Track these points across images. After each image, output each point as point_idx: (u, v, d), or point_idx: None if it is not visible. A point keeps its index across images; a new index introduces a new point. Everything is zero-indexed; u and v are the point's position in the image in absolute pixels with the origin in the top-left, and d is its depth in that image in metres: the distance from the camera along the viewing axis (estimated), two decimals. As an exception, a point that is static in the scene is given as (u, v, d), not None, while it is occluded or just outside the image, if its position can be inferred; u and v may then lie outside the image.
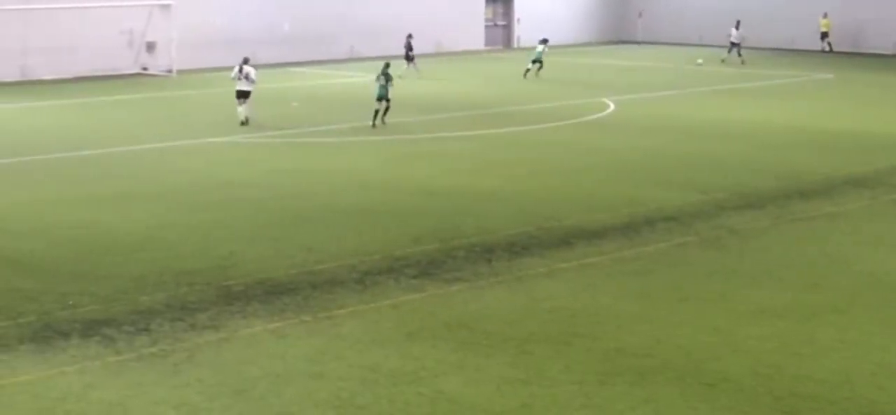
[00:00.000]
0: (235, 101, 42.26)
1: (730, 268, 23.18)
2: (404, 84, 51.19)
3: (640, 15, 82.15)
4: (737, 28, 66.72)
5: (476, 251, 24.20)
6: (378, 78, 42.49)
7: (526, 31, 78.00)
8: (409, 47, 59.78)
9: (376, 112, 41.88)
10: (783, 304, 20.61)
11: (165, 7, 61.69)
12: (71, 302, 20.34)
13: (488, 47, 76.78)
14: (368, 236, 25.33)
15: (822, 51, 73.06)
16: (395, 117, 42.38)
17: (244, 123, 41.57)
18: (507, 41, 78.85)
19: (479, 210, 28.07)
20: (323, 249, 24.21)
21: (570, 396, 16.23)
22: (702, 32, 76.41)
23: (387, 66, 43.45)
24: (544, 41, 60.83)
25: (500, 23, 79.16)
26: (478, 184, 31.25)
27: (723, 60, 65.25)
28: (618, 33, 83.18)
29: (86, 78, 57.79)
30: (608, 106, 47.86)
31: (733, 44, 66.44)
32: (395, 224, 26.53)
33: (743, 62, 64.65)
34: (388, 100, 41.83)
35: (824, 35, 73.44)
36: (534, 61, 59.02)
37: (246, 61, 42.53)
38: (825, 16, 73.48)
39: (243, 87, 42.04)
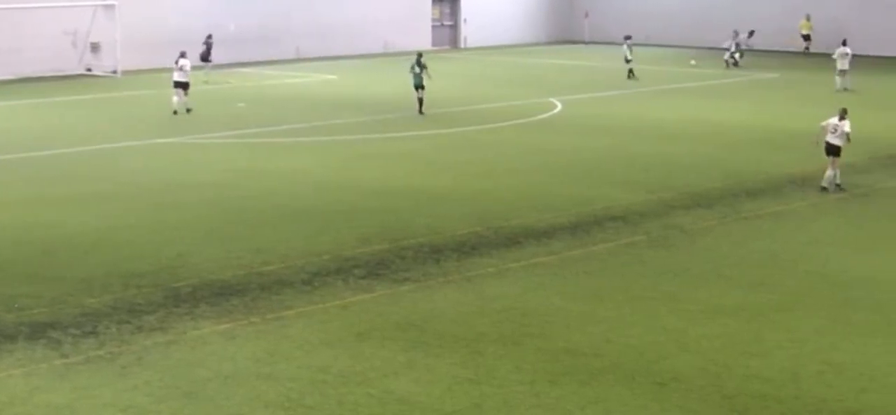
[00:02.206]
0: (173, 91, 45.28)
1: (679, 267, 23.26)
2: (344, 83, 51.04)
3: (587, 15, 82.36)
4: (735, 36, 66.25)
5: (425, 251, 24.19)
6: (412, 68, 45.54)
7: (472, 31, 78.10)
8: (208, 48, 58.90)
9: (420, 100, 45.16)
10: (732, 303, 20.71)
11: (109, 7, 61.31)
12: (17, 305, 20.18)
13: (436, 47, 76.74)
14: (317, 237, 25.27)
15: (804, 51, 72.92)
16: (339, 118, 42.28)
17: (175, 112, 44.49)
18: (455, 41, 78.88)
19: (428, 210, 28.04)
20: (271, 250, 24.13)
21: (521, 395, 16.24)
22: (648, 32, 76.64)
23: (420, 55, 46.49)
24: (628, 38, 60.36)
25: (447, 23, 79.18)
26: (427, 184, 31.23)
27: (736, 63, 64.71)
28: (564, 33, 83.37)
29: (30, 79, 57.37)
30: (556, 106, 47.96)
31: (730, 49, 65.72)
32: (345, 225, 26.47)
33: (735, 64, 64.43)
34: (423, 88, 45.34)
35: (806, 36, 73.36)
36: (627, 60, 58.71)
37: (183, 55, 45.87)
38: (808, 18, 73.40)
39: (179, 77, 45.10)
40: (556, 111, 46.74)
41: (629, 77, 58.28)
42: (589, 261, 23.66)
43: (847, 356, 18.01)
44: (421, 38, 75.99)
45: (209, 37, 58.79)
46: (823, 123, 31.08)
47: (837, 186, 30.66)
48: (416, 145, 38.11)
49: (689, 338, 18.77)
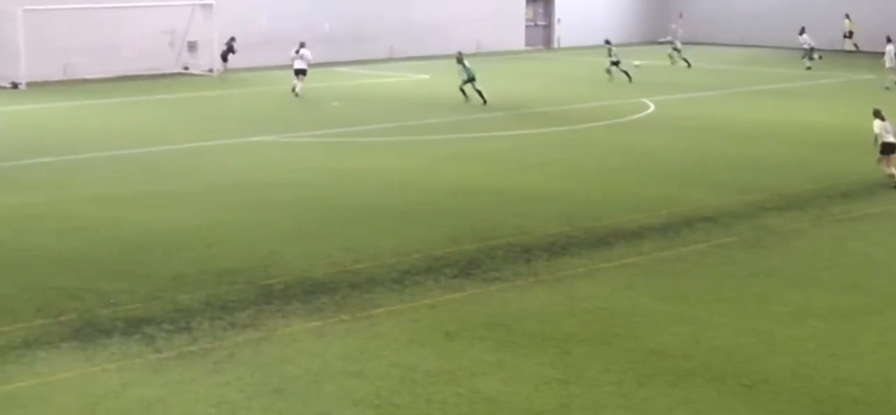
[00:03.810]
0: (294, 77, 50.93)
1: (770, 269, 23.09)
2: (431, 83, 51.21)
3: (680, 15, 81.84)
4: (802, 34, 65.60)
5: (515, 251, 24.21)
6: (460, 60, 48.63)
7: (566, 31, 77.96)
8: (228, 49, 59.34)
9: (480, 92, 47.73)
10: (823, 305, 20.52)
11: (207, 6, 61.99)
12: (112, 300, 20.47)
13: (529, 47, 76.76)
14: (408, 236, 25.38)
15: (850, 50, 72.42)
16: (431, 117, 42.43)
17: (295, 94, 50.29)
18: (548, 41, 78.79)
19: (518, 210, 28.06)
20: (362, 248, 24.27)
21: (609, 396, 16.22)
22: (743, 33, 76.12)
23: (460, 54, 49.46)
24: (608, 42, 60.19)
25: (541, 23, 79.10)
26: (518, 184, 31.25)
27: (808, 68, 63.48)
28: (658, 33, 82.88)
29: (128, 77, 58.12)
30: (648, 106, 47.77)
31: (806, 49, 65.08)
32: (435, 224, 26.56)
33: (808, 68, 63.60)
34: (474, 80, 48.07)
35: (849, 35, 72.97)
36: (613, 63, 58.28)
37: (303, 45, 51.54)
38: (847, 16, 73.08)
39: (299, 65, 50.83)
40: (648, 112, 46.55)
41: (608, 76, 57.39)
42: (679, 262, 23.56)
43: (940, 361, 17.82)
44: (514, 37, 76.11)
45: (232, 39, 59.18)
46: (877, 131, 31.30)
47: None
48: (507, 145, 38.14)
49: (778, 340, 18.64)
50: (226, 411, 15.66)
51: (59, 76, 56.92)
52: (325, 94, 51.78)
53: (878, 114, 31.49)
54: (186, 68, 61.65)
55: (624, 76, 57.18)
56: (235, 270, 22.49)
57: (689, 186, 31.15)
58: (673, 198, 29.48)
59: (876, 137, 31.26)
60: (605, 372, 17.12)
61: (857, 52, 72.48)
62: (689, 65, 64.22)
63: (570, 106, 48.04)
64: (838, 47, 72.62)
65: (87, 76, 57.40)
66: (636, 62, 58.84)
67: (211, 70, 59.95)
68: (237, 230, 26.05)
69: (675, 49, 65.84)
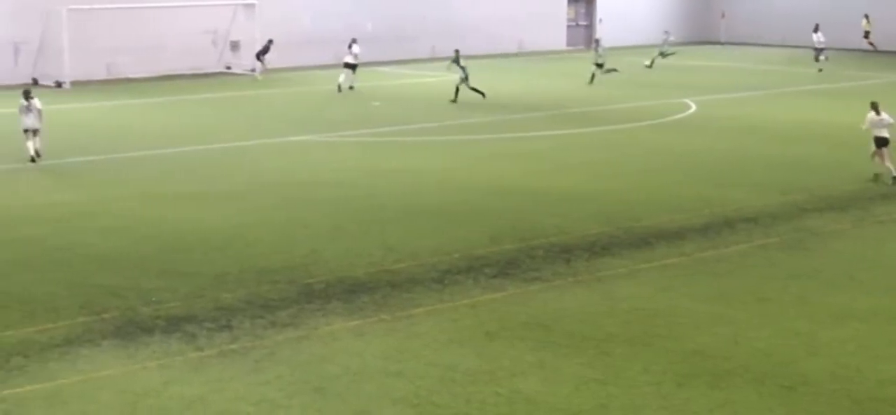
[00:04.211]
0: (343, 70, 52.82)
1: (810, 270, 23.03)
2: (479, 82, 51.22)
3: (723, 15, 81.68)
4: (816, 32, 65.40)
5: (555, 251, 24.22)
6: (456, 60, 49.49)
7: (608, 31, 77.82)
8: (264, 49, 59.31)
9: (475, 89, 48.60)
10: (864, 307, 20.44)
11: (249, 6, 62.20)
12: (154, 298, 20.60)
13: (570, 47, 76.67)
14: (447, 236, 25.42)
15: (867, 49, 72.30)
16: (472, 117, 42.46)
17: (340, 89, 52.01)
18: (589, 41, 78.64)
19: (558, 210, 28.07)
20: (402, 248, 24.34)
21: (648, 397, 16.21)
22: (784, 34, 75.87)
23: (457, 53, 50.18)
24: (597, 42, 60.01)
25: (582, 23, 79.00)
26: (558, 184, 31.25)
27: (820, 70, 62.86)
28: (700, 33, 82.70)
29: (171, 76, 58.41)
30: (690, 106, 47.66)
31: (817, 48, 64.98)
32: (475, 223, 26.60)
33: (820, 70, 63.15)
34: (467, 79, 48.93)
35: (866, 34, 72.91)
36: (598, 65, 57.95)
37: (354, 41, 54.41)
38: (866, 17, 72.96)
39: (350, 59, 52.99)
40: (690, 112, 46.44)
41: (593, 76, 56.78)
42: (719, 262, 23.51)
43: (982, 363, 17.74)
44: (556, 37, 76.01)
45: (270, 41, 59.34)
46: (867, 125, 32.02)
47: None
48: (547, 145, 38.13)
49: (819, 342, 18.58)
50: (266, 410, 15.74)
51: (102, 75, 57.28)
52: (366, 93, 51.90)
53: (874, 106, 31.81)
54: (229, 68, 61.89)
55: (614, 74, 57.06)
56: (276, 269, 22.59)
57: (729, 186, 31.07)
58: (714, 198, 29.42)
59: (868, 130, 31.89)
60: (645, 373, 17.12)
61: (874, 51, 72.16)
62: (649, 66, 63.45)
63: (611, 106, 47.98)
64: (886, 48, 72.30)
65: (131, 75, 57.74)
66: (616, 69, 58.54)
67: (253, 70, 60.14)
68: (278, 229, 26.16)
69: (662, 53, 65.05)
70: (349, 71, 53.04)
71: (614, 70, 56.97)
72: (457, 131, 40.77)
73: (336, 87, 52.31)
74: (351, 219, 27.13)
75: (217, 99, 50.98)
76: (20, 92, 35.81)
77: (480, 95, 48.70)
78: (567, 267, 23.05)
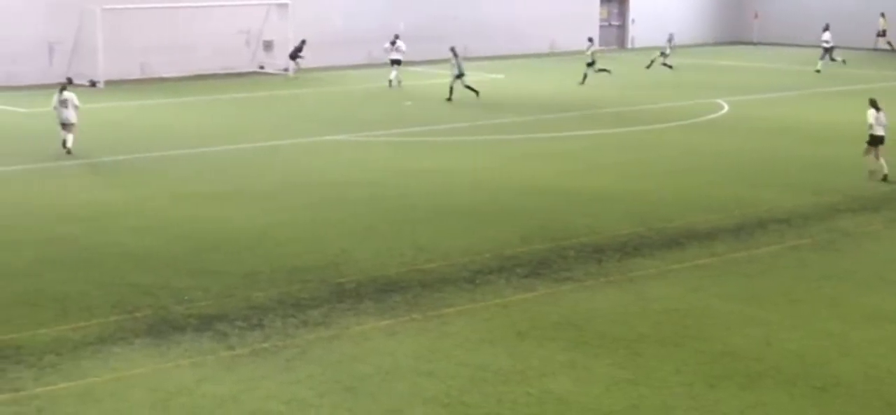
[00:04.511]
0: (390, 67, 54.46)
1: (842, 271, 22.95)
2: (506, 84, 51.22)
3: (756, 16, 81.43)
4: (826, 31, 64.85)
5: (587, 251, 24.20)
6: (454, 56, 50.22)
7: (641, 31, 77.68)
8: (297, 49, 59.60)
9: (470, 87, 49.43)
10: (897, 308, 20.40)
11: (282, 6, 62.35)
12: (186, 297, 20.68)
13: (603, 47, 76.46)
14: (479, 235, 25.43)
15: (885, 48, 72.12)
16: (503, 117, 42.44)
17: (390, 84, 54.11)
18: (622, 42, 78.58)
19: (590, 210, 28.05)
20: (433, 247, 24.36)
21: (679, 398, 16.19)
22: (817, 34, 75.45)
23: (453, 49, 50.97)
24: (591, 40, 59.94)
25: (615, 23, 78.88)
26: (589, 184, 31.23)
27: (818, 71, 62.20)
28: (733, 34, 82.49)
29: (204, 76, 58.59)
30: (722, 107, 47.54)
31: (826, 48, 64.37)
32: (506, 223, 26.60)
33: (817, 70, 62.58)
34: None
35: (883, 33, 72.83)
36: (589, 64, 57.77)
37: (397, 37, 55.88)
38: (882, 15, 72.88)
39: (395, 56, 55.05)
40: (722, 112, 46.32)
41: (585, 77, 56.67)
42: (751, 263, 23.45)
43: None
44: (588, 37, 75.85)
45: (303, 41, 59.39)
46: (870, 121, 32.14)
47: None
48: (579, 145, 38.10)
49: (851, 343, 18.52)
50: (297, 409, 15.79)
51: (136, 75, 57.51)
52: (398, 93, 51.97)
53: (873, 104, 31.79)
54: (262, 68, 62.04)
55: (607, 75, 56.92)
56: (308, 269, 22.64)
57: (762, 187, 30.98)
58: (746, 199, 29.35)
59: (869, 127, 32.06)
60: (676, 373, 17.10)
61: (892, 50, 71.87)
62: (648, 67, 63.27)
63: (643, 106, 47.91)
64: None
65: (164, 75, 57.95)
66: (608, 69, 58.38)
67: (286, 69, 60.27)
68: (309, 229, 26.22)
69: (662, 53, 64.68)
70: (397, 67, 54.80)
71: (606, 70, 57.00)
72: (488, 131, 40.78)
73: (386, 83, 54.19)
74: (382, 219, 27.17)
75: (249, 99, 51.11)
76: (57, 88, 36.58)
77: (474, 94, 49.27)
78: (598, 267, 23.04)
